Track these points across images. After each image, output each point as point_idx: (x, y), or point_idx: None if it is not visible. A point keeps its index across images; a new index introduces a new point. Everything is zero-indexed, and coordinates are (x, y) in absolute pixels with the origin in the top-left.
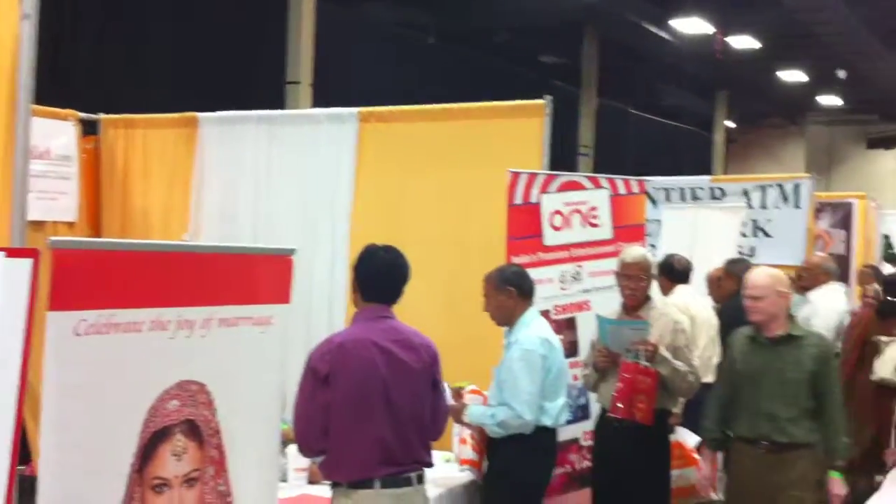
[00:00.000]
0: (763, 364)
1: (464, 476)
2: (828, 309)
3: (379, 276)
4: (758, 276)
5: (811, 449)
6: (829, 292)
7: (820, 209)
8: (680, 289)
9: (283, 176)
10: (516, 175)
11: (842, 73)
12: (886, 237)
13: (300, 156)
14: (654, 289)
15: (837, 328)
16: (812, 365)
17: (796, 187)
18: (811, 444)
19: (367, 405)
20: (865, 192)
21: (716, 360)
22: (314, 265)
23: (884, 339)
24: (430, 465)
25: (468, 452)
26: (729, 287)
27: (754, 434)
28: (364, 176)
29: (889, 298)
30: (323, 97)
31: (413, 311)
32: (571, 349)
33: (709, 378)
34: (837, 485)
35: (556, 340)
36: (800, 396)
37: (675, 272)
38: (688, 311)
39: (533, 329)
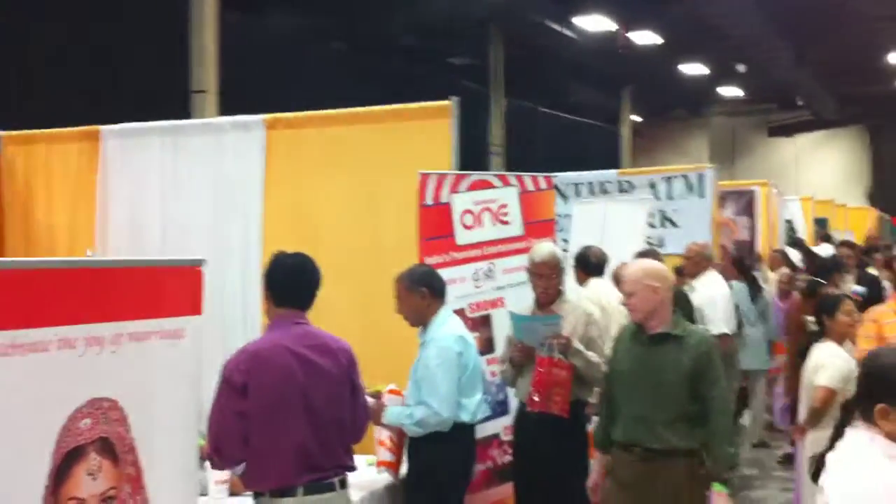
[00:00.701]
0: (640, 363)
1: (386, 478)
2: (713, 295)
3: (290, 282)
4: (628, 272)
5: (690, 458)
6: (710, 279)
7: (724, 198)
8: (594, 281)
9: (191, 186)
10: (426, 176)
11: (741, 67)
12: (789, 222)
13: (207, 165)
14: (569, 281)
15: (726, 311)
16: (692, 365)
17: (700, 177)
18: (691, 452)
19: (286, 412)
20: (767, 180)
21: None
22: (226, 275)
23: (811, 319)
24: (352, 468)
25: (385, 454)
26: None
27: (628, 438)
28: (273, 183)
29: (815, 279)
30: (231, 106)
31: (328, 315)
32: (488, 346)
33: None
34: (721, 499)
35: (471, 337)
36: (679, 399)
37: (590, 265)
38: (600, 302)
39: (447, 327)
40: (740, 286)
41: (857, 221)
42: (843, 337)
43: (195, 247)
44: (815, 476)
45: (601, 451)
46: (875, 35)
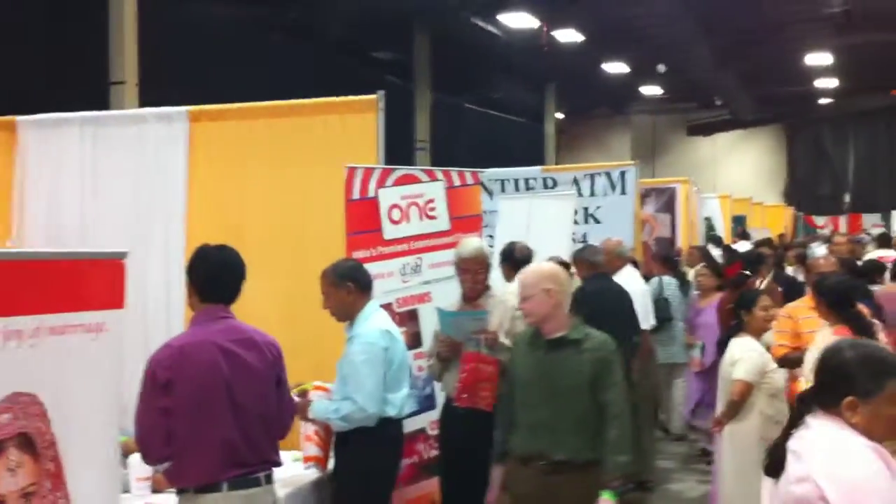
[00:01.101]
0: (539, 369)
1: (312, 473)
2: (631, 291)
3: (214, 276)
4: (525, 275)
5: (595, 471)
6: (627, 276)
7: (646, 195)
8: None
9: (111, 178)
10: (353, 170)
11: (661, 67)
12: (708, 219)
13: (128, 157)
14: (495, 276)
15: (644, 307)
16: (591, 370)
17: (623, 174)
18: (595, 463)
19: (211, 408)
20: (687, 177)
21: None
22: (148, 268)
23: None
24: (278, 464)
25: (312, 449)
26: (582, 273)
27: (528, 450)
28: (197, 175)
29: (743, 272)
30: (151, 97)
31: (252, 310)
32: (415, 340)
33: None
34: None
35: (397, 332)
36: (580, 406)
37: (516, 260)
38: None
39: (373, 322)
40: (670, 281)
41: (773, 219)
42: (759, 331)
43: (116, 239)
44: (771, 467)
45: (500, 462)
46: (792, 37)
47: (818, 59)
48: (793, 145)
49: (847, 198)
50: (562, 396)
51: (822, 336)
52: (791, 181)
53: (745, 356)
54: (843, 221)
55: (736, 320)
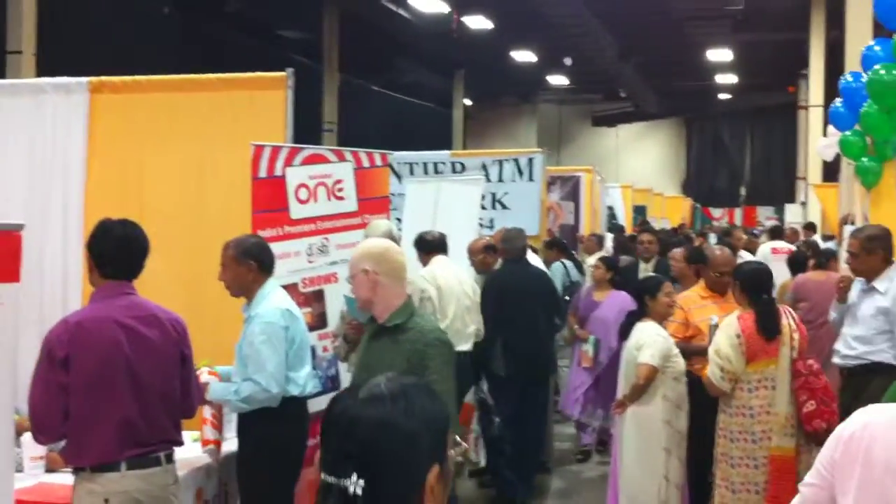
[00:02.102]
0: (365, 359)
1: (213, 453)
2: None
3: (116, 251)
4: (352, 254)
5: None
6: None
7: (551, 182)
8: (435, 259)
9: (7, 149)
10: (260, 148)
11: (568, 57)
12: (610, 209)
13: (24, 128)
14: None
15: None
16: (405, 364)
17: (530, 161)
18: None
19: (110, 385)
20: (591, 167)
21: (472, 328)
22: (45, 242)
23: None
24: (179, 443)
25: (210, 432)
26: (492, 260)
27: None
28: (97, 149)
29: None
30: (49, 68)
31: (153, 287)
32: (320, 321)
33: (463, 347)
34: None
35: (297, 311)
36: None
37: (427, 244)
38: (435, 281)
39: (272, 301)
40: (572, 265)
41: (673, 210)
42: (663, 317)
43: (12, 211)
44: None
45: None
46: (693, 33)
47: (718, 55)
48: (692, 138)
49: (743, 191)
50: None
51: (728, 321)
52: (690, 173)
53: (651, 341)
54: (738, 213)
55: (640, 306)
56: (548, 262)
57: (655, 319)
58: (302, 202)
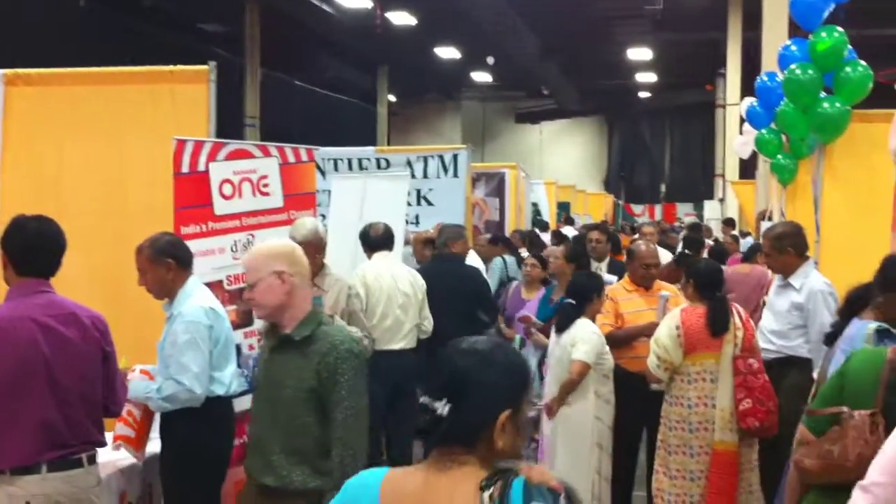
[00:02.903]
0: (265, 374)
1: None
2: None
3: (32, 248)
4: (250, 255)
5: (317, 500)
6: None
7: (476, 179)
8: (377, 255)
9: None
10: (182, 143)
11: (491, 55)
12: (535, 205)
13: None
14: (347, 255)
15: None
16: (315, 378)
17: (455, 158)
18: (317, 492)
19: (27, 387)
20: (515, 163)
21: (409, 326)
22: None
23: None
24: (102, 444)
25: (123, 429)
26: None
27: (250, 472)
28: (12, 143)
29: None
30: None
31: (73, 285)
32: (246, 319)
33: (396, 345)
34: None
35: (222, 309)
36: (300, 423)
37: (371, 240)
38: (364, 279)
39: (196, 299)
40: (513, 261)
41: (595, 207)
42: (596, 314)
43: None
44: None
45: None
46: (614, 32)
47: (638, 54)
48: (614, 136)
49: (663, 188)
50: (281, 410)
51: (672, 313)
52: (611, 170)
53: (586, 338)
54: (658, 210)
55: (576, 304)
56: (488, 258)
57: (590, 317)
58: (226, 198)
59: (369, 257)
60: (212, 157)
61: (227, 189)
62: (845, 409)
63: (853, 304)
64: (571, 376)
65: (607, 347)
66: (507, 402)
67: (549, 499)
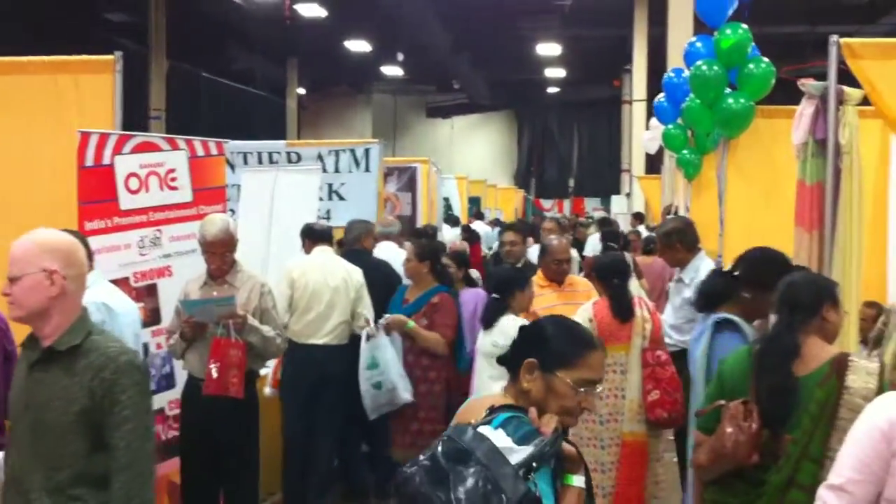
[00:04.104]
0: (23, 395)
1: None
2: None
3: None
4: (16, 246)
5: None
6: (386, 250)
7: (388, 173)
8: (317, 249)
9: None
10: (86, 135)
11: (402, 48)
12: (446, 200)
13: None
14: (243, 251)
15: None
16: (88, 398)
17: (367, 152)
18: None
19: None
20: (427, 158)
21: (335, 321)
22: None
23: None
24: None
25: None
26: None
27: None
28: None
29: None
30: None
31: None
32: (154, 317)
33: (320, 340)
34: None
35: (121, 304)
36: (69, 452)
37: (315, 233)
38: (289, 274)
39: (89, 295)
40: None
41: (506, 201)
42: (524, 310)
43: None
44: None
45: None
46: (524, 27)
47: (547, 49)
48: (524, 131)
49: (572, 182)
50: (43, 439)
51: (585, 306)
52: (521, 165)
53: (515, 333)
54: (567, 205)
55: (501, 299)
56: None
57: (517, 312)
58: (132, 192)
59: (309, 251)
60: (117, 149)
61: (134, 183)
62: (723, 401)
63: (708, 298)
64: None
65: None
66: (533, 353)
67: (519, 433)
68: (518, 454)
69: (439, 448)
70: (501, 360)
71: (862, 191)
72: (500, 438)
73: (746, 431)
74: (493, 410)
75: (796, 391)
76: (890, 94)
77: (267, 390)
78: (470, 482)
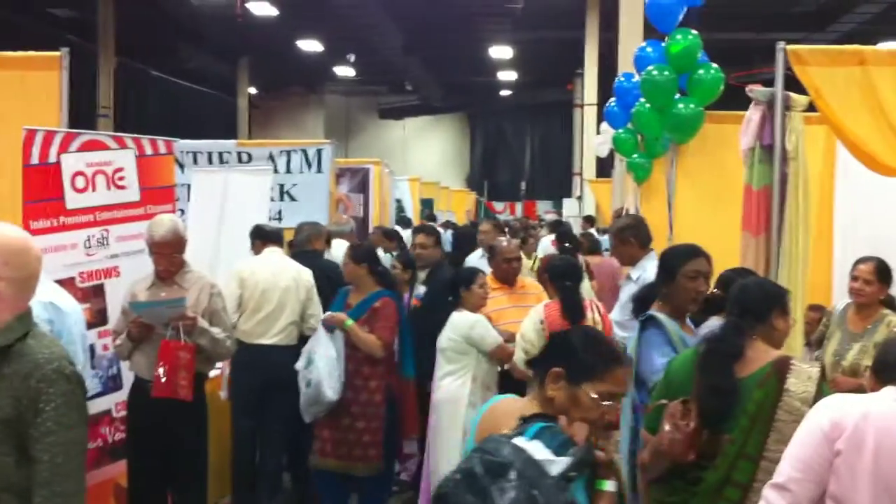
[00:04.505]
0: None
1: None
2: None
3: None
4: None
5: None
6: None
7: (340, 174)
8: (268, 250)
9: None
10: (32, 133)
11: (355, 49)
12: (399, 201)
13: None
14: (192, 252)
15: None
16: (11, 407)
17: (319, 153)
18: None
19: None
20: (380, 159)
21: (284, 322)
22: None
23: None
24: None
25: None
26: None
27: None
28: None
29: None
30: None
31: None
32: (100, 317)
33: (269, 340)
34: None
35: (67, 303)
36: None
37: (265, 233)
38: (239, 274)
39: (36, 294)
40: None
41: (458, 203)
42: (477, 307)
43: None
44: None
45: None
46: (477, 29)
47: (500, 52)
48: (476, 133)
49: (523, 185)
50: None
51: (536, 308)
52: (474, 167)
53: (477, 326)
54: (519, 207)
55: (453, 296)
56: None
57: (469, 309)
58: (79, 191)
59: (259, 252)
60: (63, 147)
61: (80, 182)
62: (665, 401)
63: (642, 302)
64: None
65: (489, 329)
66: (560, 362)
67: (554, 443)
68: (557, 465)
69: (477, 463)
70: (530, 365)
71: (807, 196)
72: (537, 450)
73: (683, 430)
74: (525, 420)
75: (736, 392)
76: (835, 100)
77: (223, 394)
78: (512, 494)
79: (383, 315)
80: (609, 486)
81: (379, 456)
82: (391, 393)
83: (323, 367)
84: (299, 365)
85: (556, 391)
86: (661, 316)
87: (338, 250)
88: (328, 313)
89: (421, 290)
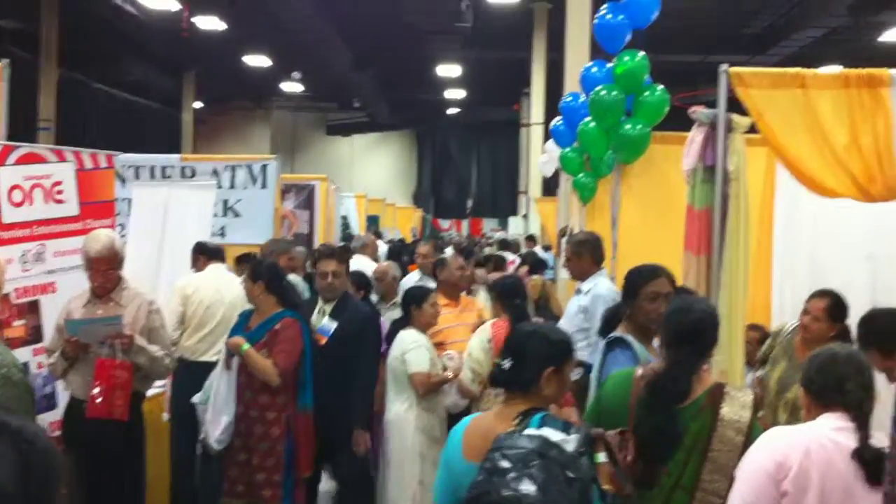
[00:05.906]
0: None
1: None
2: None
3: None
4: None
5: None
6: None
7: (286, 190)
8: (211, 266)
9: None
10: None
11: (303, 64)
12: (344, 218)
13: None
14: (133, 268)
15: None
16: None
17: (264, 168)
18: None
19: None
20: (326, 175)
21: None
22: None
23: None
24: None
25: None
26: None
27: None
28: None
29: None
30: None
31: None
32: (35, 334)
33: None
34: None
35: None
36: None
37: (209, 249)
38: (183, 290)
39: None
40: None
41: (404, 220)
42: (427, 325)
43: None
44: None
45: None
46: (425, 48)
47: (448, 70)
48: (424, 151)
49: (470, 203)
50: None
51: (483, 327)
52: (421, 184)
53: (411, 348)
54: (465, 225)
55: (405, 314)
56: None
57: (419, 328)
58: (16, 205)
59: (201, 268)
60: (0, 160)
61: (17, 195)
62: (600, 429)
63: (609, 323)
64: (420, 389)
65: (434, 353)
66: (549, 362)
67: (559, 426)
68: (570, 443)
69: (499, 459)
70: (499, 379)
71: (748, 216)
72: (551, 434)
73: (621, 462)
74: (524, 415)
75: (679, 434)
76: (776, 122)
77: (165, 416)
78: (545, 475)
79: (283, 338)
80: (601, 457)
81: (277, 497)
82: (292, 426)
83: (212, 410)
84: (196, 399)
85: (550, 386)
86: (628, 337)
87: (357, 265)
88: (228, 339)
89: (326, 323)
